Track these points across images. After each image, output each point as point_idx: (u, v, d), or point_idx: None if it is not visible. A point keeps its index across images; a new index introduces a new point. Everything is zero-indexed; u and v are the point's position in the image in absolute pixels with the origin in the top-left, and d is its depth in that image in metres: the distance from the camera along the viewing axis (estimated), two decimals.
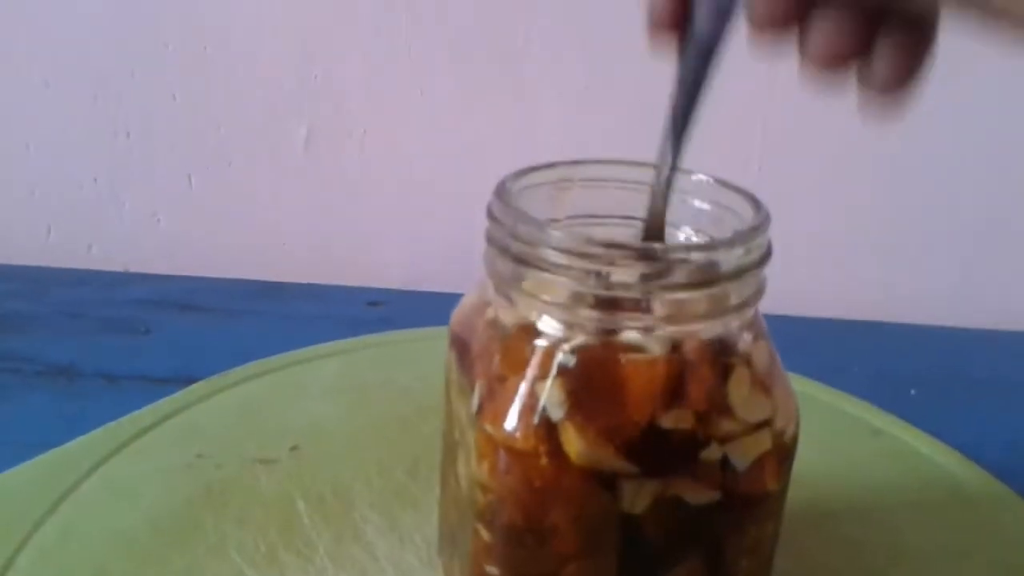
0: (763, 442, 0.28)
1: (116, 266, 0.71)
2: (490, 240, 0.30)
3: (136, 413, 0.49)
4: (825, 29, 0.26)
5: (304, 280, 0.70)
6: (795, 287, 0.66)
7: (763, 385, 0.29)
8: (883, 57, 0.26)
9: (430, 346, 0.55)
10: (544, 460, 0.27)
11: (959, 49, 0.67)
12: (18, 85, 0.69)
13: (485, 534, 0.30)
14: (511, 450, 0.28)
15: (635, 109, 0.68)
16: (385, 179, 0.71)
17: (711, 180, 0.32)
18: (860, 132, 0.68)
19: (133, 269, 0.71)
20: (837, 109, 0.69)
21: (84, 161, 0.71)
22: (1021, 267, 0.71)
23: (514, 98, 0.68)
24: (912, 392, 0.58)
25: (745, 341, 0.29)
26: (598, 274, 0.27)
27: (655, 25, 0.28)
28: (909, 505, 0.46)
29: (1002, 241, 0.71)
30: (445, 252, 0.70)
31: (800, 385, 0.55)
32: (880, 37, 0.26)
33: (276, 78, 0.68)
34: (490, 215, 0.30)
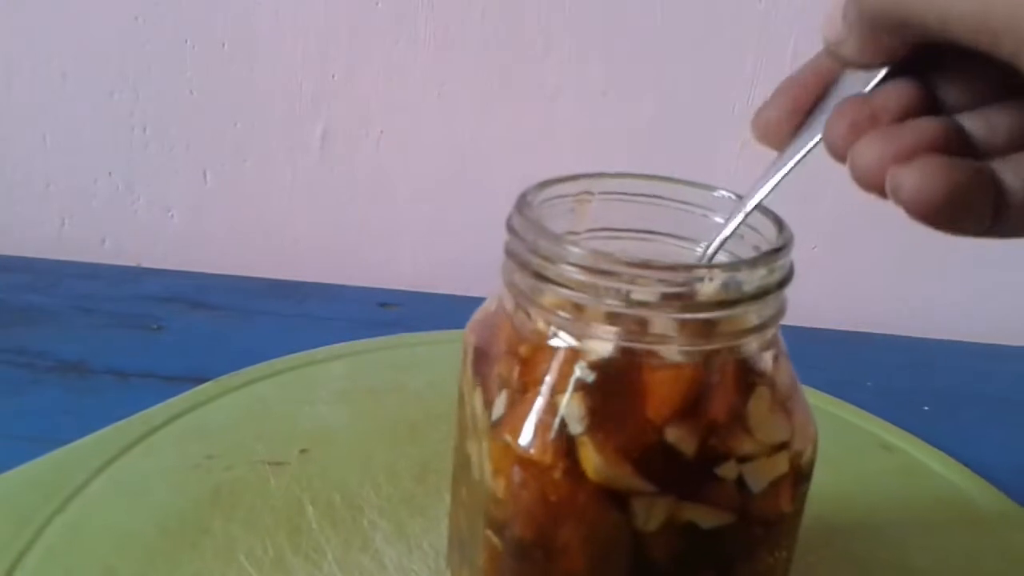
0: (780, 464, 0.28)
1: (129, 260, 0.71)
2: (509, 253, 0.29)
3: (146, 412, 0.49)
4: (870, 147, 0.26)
5: (317, 279, 0.70)
6: (810, 299, 0.66)
7: (783, 406, 0.29)
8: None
9: (442, 350, 0.55)
10: (560, 475, 0.27)
11: None
12: (37, 78, 0.69)
13: (496, 543, 0.30)
14: (527, 463, 0.28)
15: (653, 115, 0.68)
16: (400, 180, 0.70)
17: (734, 196, 0.31)
18: None
19: (146, 264, 0.71)
20: None
21: (100, 155, 0.71)
22: None
23: (532, 102, 0.68)
24: (925, 408, 0.58)
25: (766, 361, 0.29)
26: (618, 291, 0.27)
27: (767, 129, 0.29)
28: (919, 522, 0.46)
29: (1019, 255, 0.70)
30: (459, 254, 0.70)
31: (812, 398, 0.54)
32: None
33: (293, 76, 0.68)
34: (510, 228, 0.29)
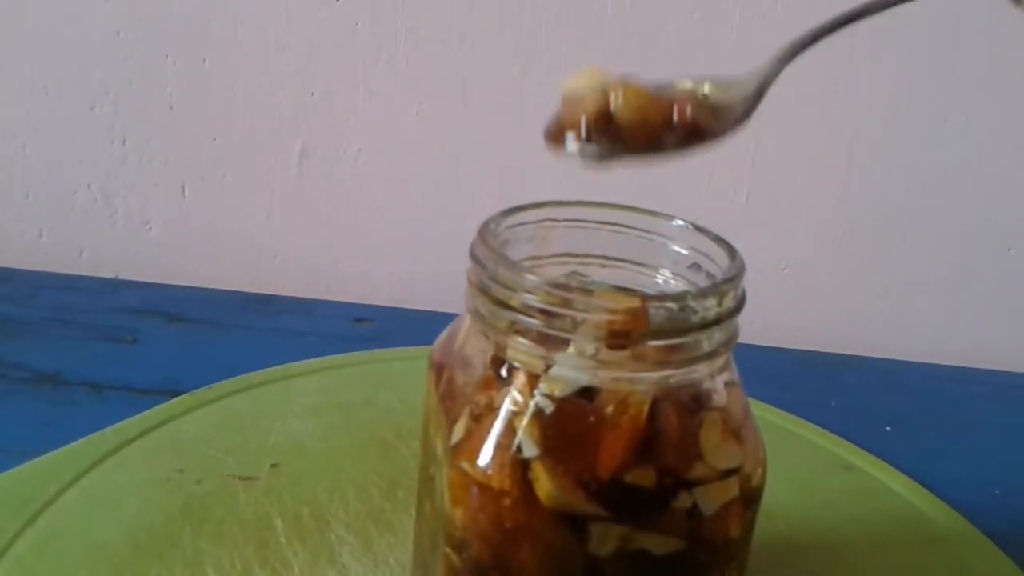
0: (731, 489, 0.29)
1: (107, 272, 0.72)
2: (471, 280, 0.30)
3: (119, 425, 0.49)
4: None
5: (293, 294, 0.70)
6: (776, 319, 0.67)
7: (735, 433, 0.30)
8: None
9: (415, 366, 0.56)
10: (515, 498, 0.28)
11: (949, 93, 0.68)
12: (18, 89, 0.69)
13: (456, 561, 0.31)
14: (483, 487, 0.29)
15: None
16: (378, 197, 0.71)
17: (689, 226, 0.32)
18: (845, 167, 0.69)
19: (123, 276, 0.72)
20: (824, 144, 0.70)
21: (79, 167, 0.71)
22: (1002, 306, 0.72)
23: (508, 122, 0.69)
24: (887, 428, 0.59)
25: (718, 387, 0.30)
26: (574, 320, 0.28)
27: None
28: (878, 542, 0.47)
29: (983, 280, 0.72)
30: (435, 271, 0.71)
31: (776, 418, 0.56)
32: None
33: (273, 93, 0.69)
34: (472, 256, 0.30)
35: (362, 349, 0.62)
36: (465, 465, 0.29)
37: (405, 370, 0.59)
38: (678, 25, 0.66)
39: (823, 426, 0.57)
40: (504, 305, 0.29)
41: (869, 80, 0.66)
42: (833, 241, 0.71)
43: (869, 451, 0.55)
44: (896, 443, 0.56)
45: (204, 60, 0.68)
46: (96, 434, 0.48)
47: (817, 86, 0.66)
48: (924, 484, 0.52)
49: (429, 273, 0.71)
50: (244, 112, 0.70)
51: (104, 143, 0.71)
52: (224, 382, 0.55)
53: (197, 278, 0.71)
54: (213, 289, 0.70)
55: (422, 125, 0.69)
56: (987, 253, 0.71)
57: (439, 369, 0.33)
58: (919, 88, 0.67)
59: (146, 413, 0.51)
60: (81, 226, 0.73)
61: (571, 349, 0.28)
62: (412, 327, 0.65)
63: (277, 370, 0.57)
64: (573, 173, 0.70)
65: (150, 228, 0.73)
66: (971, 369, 0.69)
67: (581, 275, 0.34)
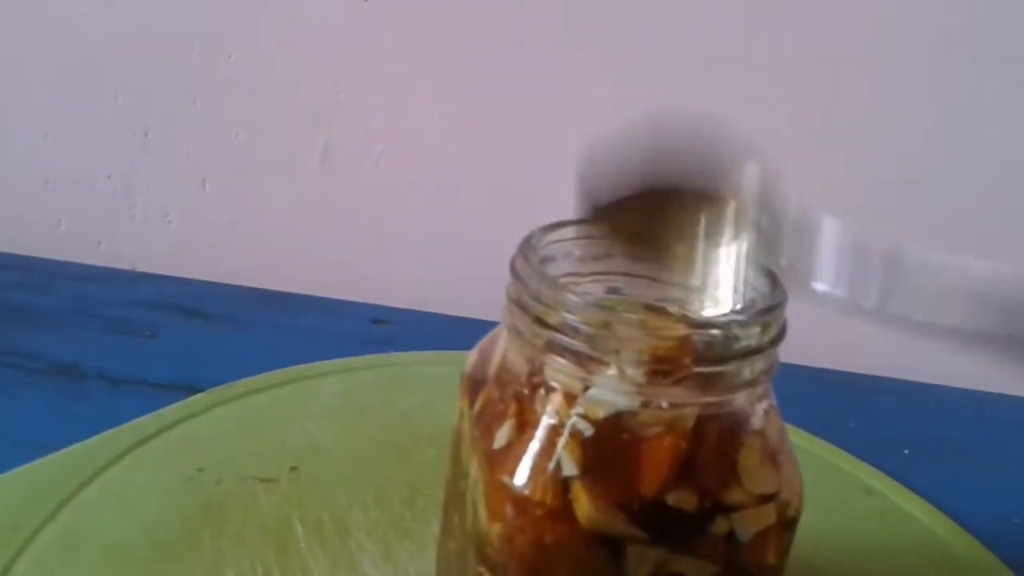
0: (768, 515, 0.29)
1: (124, 264, 0.72)
2: (510, 296, 0.30)
3: (138, 421, 0.49)
4: None
5: (311, 292, 0.70)
6: (795, 336, 0.67)
7: (772, 459, 0.29)
8: None
9: (433, 370, 0.56)
10: (553, 518, 0.28)
11: (962, 107, 0.67)
12: (40, 77, 0.69)
13: None
14: (521, 504, 0.28)
15: None
16: (399, 198, 0.71)
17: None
18: (862, 186, 0.68)
19: (141, 268, 0.72)
20: (842, 163, 0.70)
21: (100, 157, 0.71)
22: None
23: (534, 127, 0.69)
24: (905, 451, 0.58)
25: (757, 414, 0.30)
26: (616, 343, 0.27)
27: None
28: (895, 567, 0.46)
29: None
30: (454, 274, 0.70)
31: (794, 437, 0.55)
32: None
33: (297, 91, 0.69)
34: (513, 272, 0.30)
35: (379, 351, 0.61)
36: (505, 479, 0.28)
37: (423, 374, 0.58)
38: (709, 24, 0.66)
39: (841, 447, 0.56)
40: (544, 324, 0.29)
41: (880, 82, 0.66)
42: None
43: (887, 474, 0.54)
44: (915, 467, 0.56)
45: (230, 55, 0.68)
46: (115, 429, 0.48)
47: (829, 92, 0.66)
48: (943, 509, 0.51)
49: (448, 276, 0.71)
50: (268, 108, 0.69)
51: (126, 134, 0.71)
52: (242, 381, 0.54)
53: (215, 273, 0.70)
54: (231, 285, 0.69)
55: (445, 128, 0.69)
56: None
57: (474, 385, 0.32)
58: (933, 94, 0.66)
59: (164, 410, 0.50)
60: (100, 216, 0.73)
61: (611, 371, 0.28)
62: (429, 330, 0.65)
63: (295, 370, 0.57)
64: None
65: (169, 221, 0.73)
66: (992, 394, 0.68)
67: (620, 293, 0.34)
